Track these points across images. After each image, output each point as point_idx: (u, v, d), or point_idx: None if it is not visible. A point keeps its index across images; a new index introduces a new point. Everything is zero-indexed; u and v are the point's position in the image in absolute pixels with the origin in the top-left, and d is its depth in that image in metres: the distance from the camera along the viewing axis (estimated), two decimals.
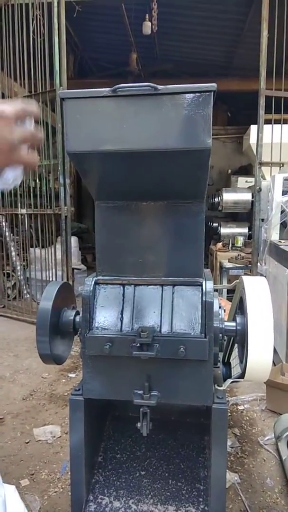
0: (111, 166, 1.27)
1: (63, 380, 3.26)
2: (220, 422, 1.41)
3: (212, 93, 1.09)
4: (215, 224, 6.11)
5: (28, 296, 5.34)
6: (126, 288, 1.47)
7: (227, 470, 1.95)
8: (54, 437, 2.45)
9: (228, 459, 2.21)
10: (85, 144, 1.18)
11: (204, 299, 1.37)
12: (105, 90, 1.13)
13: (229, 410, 2.70)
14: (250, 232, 5.53)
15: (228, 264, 4.84)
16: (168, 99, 1.11)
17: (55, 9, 4.12)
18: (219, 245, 5.65)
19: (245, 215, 6.00)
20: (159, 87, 1.10)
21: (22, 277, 5.43)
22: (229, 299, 3.77)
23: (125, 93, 1.12)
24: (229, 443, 2.32)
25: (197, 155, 1.16)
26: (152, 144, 1.15)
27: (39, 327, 1.42)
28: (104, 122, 1.16)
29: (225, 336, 1.48)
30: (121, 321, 1.43)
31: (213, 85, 1.09)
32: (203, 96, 1.09)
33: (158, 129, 1.14)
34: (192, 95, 1.10)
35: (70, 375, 3.35)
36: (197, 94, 1.09)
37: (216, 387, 1.46)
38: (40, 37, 4.26)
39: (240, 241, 5.56)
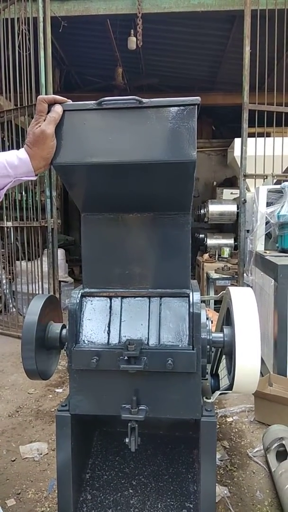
0: (97, 178, 1.27)
1: (50, 396, 3.20)
2: (209, 435, 1.39)
3: (196, 106, 1.11)
4: (201, 235, 6.15)
5: (14, 310, 5.26)
6: (113, 300, 1.45)
7: (216, 484, 1.93)
8: (41, 454, 2.39)
9: (218, 472, 2.19)
10: (71, 157, 1.18)
11: (191, 310, 1.37)
12: (91, 103, 1.14)
13: (217, 422, 2.68)
14: (236, 243, 5.58)
15: (214, 275, 4.86)
16: (153, 112, 1.12)
17: (41, 24, 4.15)
18: (206, 256, 5.68)
19: (231, 226, 6.06)
20: (144, 100, 1.11)
21: (7, 291, 5.36)
22: (216, 309, 3.77)
23: (110, 106, 1.13)
24: (218, 456, 2.30)
25: (182, 167, 1.17)
26: (138, 157, 1.16)
27: (25, 342, 1.40)
28: (90, 135, 1.17)
29: (212, 348, 1.48)
30: (108, 334, 1.41)
31: (197, 99, 1.11)
32: (188, 109, 1.11)
33: (143, 141, 1.14)
34: (176, 108, 1.11)
35: (57, 390, 3.30)
36: (182, 108, 1.11)
37: (205, 399, 1.45)
38: (26, 51, 4.28)
39: (226, 252, 5.60)
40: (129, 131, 1.15)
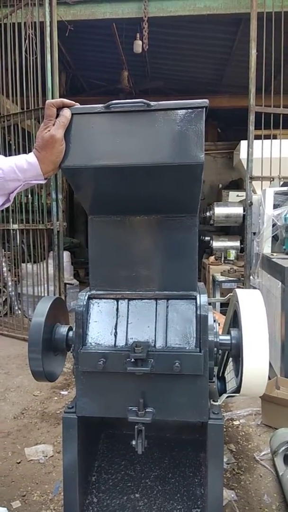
0: (104, 181, 1.27)
1: (55, 398, 3.20)
2: (216, 438, 1.39)
3: (204, 109, 1.11)
4: (207, 238, 6.13)
5: (19, 312, 5.28)
6: (120, 302, 1.45)
7: (223, 487, 1.92)
8: (46, 456, 2.39)
9: (224, 475, 2.17)
10: (79, 159, 1.19)
11: (198, 312, 1.37)
12: (99, 106, 1.15)
13: (224, 426, 2.67)
14: (242, 246, 5.56)
15: (220, 278, 4.85)
16: (161, 115, 1.12)
17: (48, 28, 4.18)
18: (212, 258, 5.66)
19: (237, 229, 6.04)
20: (152, 103, 1.12)
21: (13, 293, 5.38)
22: (223, 312, 3.76)
23: (118, 109, 1.14)
24: (225, 459, 2.29)
25: (190, 169, 1.17)
26: (146, 159, 1.16)
27: (31, 343, 1.40)
28: (98, 138, 1.17)
29: (219, 350, 1.47)
30: (115, 336, 1.41)
31: (205, 101, 1.11)
32: (196, 112, 1.11)
33: (151, 144, 1.15)
34: (184, 111, 1.11)
35: (63, 392, 3.30)
36: (190, 110, 1.11)
37: (212, 402, 1.44)
38: (33, 56, 4.31)
39: (232, 254, 5.58)
40: (136, 134, 1.15)
